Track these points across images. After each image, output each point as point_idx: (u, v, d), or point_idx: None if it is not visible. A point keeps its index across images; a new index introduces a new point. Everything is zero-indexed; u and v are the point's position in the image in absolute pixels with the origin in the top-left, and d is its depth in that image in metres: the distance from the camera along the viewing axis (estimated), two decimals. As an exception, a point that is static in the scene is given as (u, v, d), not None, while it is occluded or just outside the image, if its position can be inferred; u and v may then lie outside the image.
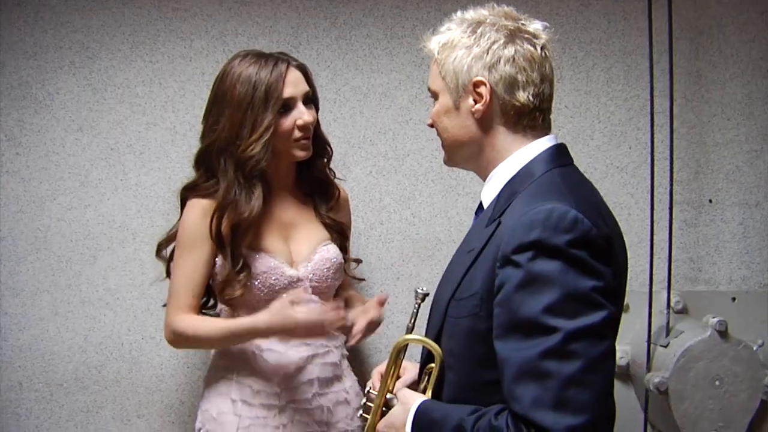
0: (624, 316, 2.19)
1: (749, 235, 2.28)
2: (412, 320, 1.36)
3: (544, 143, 1.26)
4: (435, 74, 1.29)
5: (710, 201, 2.26)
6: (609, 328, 1.10)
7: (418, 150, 2.22)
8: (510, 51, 1.21)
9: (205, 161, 1.76)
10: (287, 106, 1.73)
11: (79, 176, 2.18)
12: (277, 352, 1.74)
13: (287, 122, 1.73)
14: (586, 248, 1.08)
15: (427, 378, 1.27)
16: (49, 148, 2.18)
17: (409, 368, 1.41)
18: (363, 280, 2.02)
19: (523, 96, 1.22)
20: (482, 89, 1.22)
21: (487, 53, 1.21)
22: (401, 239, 2.23)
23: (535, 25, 1.26)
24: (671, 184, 2.12)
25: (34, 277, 2.19)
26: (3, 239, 2.18)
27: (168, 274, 1.83)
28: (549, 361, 1.04)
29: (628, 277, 2.21)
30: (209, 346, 1.87)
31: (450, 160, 1.36)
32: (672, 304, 2.12)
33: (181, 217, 1.78)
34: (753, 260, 2.28)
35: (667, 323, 2.05)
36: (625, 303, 2.19)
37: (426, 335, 1.29)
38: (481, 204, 1.33)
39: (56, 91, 2.17)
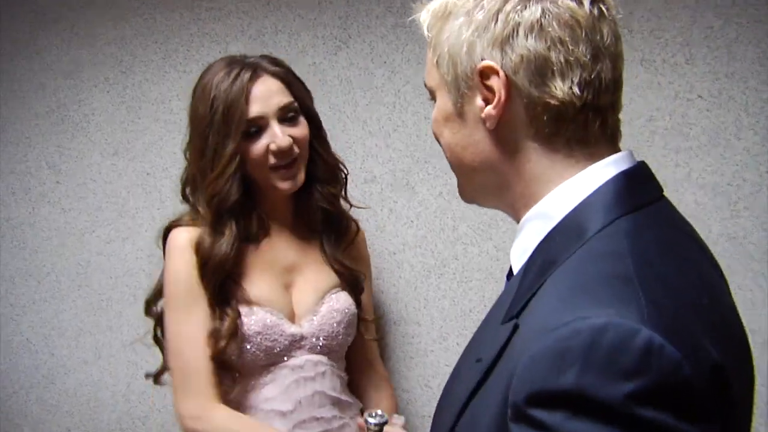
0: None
1: None
2: None
3: (607, 169, 0.75)
4: (429, 62, 0.82)
5: None
6: None
7: (499, 162, 1.74)
8: (533, 13, 0.73)
9: (185, 197, 1.48)
10: (257, 126, 1.37)
11: (117, 205, 1.96)
12: None
13: (258, 147, 1.37)
14: (669, 403, 0.59)
15: None
16: (87, 176, 1.98)
17: None
18: (378, 340, 1.61)
19: (561, 88, 0.73)
20: (493, 80, 0.74)
21: (496, 20, 0.74)
22: (482, 278, 1.76)
23: None
24: None
25: (77, 317, 2.00)
26: (47, 275, 2.02)
27: (156, 340, 1.49)
28: None
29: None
30: None
31: (463, 193, 0.87)
32: None
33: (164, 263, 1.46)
34: None
35: None
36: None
37: None
38: (511, 269, 0.85)
39: (92, 112, 1.96)
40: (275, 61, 1.44)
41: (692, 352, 0.61)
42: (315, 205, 1.46)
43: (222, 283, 1.37)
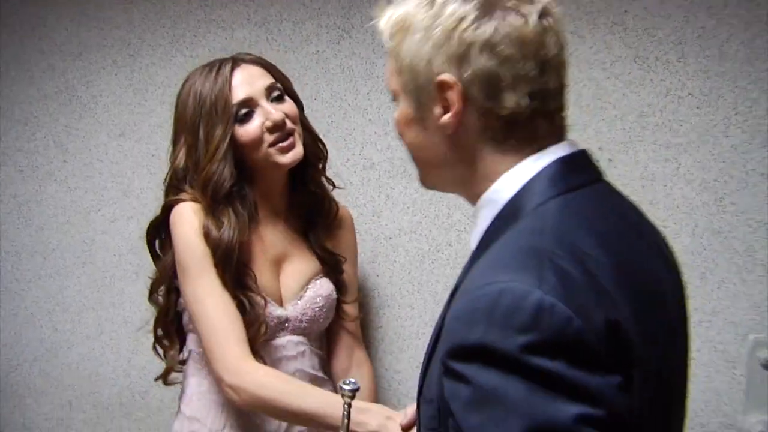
0: (767, 375, 1.64)
1: None
2: (346, 422, 1.01)
3: (546, 157, 0.83)
4: (391, 68, 0.90)
5: None
6: None
7: (495, 152, 1.79)
8: (485, 32, 0.80)
9: (170, 196, 1.48)
10: (247, 108, 1.42)
11: (122, 185, 2.01)
12: None
13: (252, 128, 1.42)
14: (561, 354, 0.68)
15: None
16: (94, 155, 2.03)
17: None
18: (358, 320, 1.65)
19: (512, 99, 0.81)
20: (450, 93, 0.82)
21: (452, 38, 0.81)
22: (473, 262, 1.82)
23: None
24: (841, 199, 1.52)
25: (81, 293, 2.06)
26: (53, 252, 2.08)
27: (157, 339, 1.52)
28: None
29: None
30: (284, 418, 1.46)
31: (423, 182, 0.95)
32: (840, 364, 1.53)
33: (164, 240, 1.49)
34: None
35: (830, 393, 1.48)
36: (765, 358, 1.64)
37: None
38: None
39: (99, 94, 2.02)
40: (250, 54, 1.51)
41: (585, 311, 0.69)
42: (307, 189, 1.52)
43: (237, 268, 1.40)
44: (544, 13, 0.81)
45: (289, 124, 1.44)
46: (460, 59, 0.80)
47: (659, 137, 1.68)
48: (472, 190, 0.87)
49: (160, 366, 2.00)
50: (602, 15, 1.69)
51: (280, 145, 1.43)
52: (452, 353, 0.72)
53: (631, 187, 1.70)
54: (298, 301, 1.49)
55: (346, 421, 1.04)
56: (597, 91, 1.71)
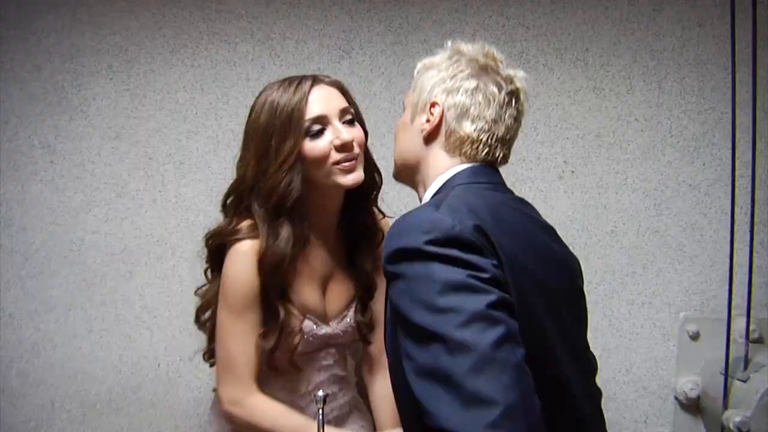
0: (694, 345, 2.06)
1: (829, 258, 2.12)
2: (320, 429, 1.23)
3: (469, 164, 1.26)
4: (410, 89, 1.35)
5: (788, 222, 2.10)
6: (501, 312, 1.02)
7: (474, 163, 2.08)
8: (472, 83, 1.26)
9: (232, 204, 1.55)
10: (320, 125, 1.48)
11: (116, 187, 2.06)
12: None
13: (321, 145, 1.47)
14: (451, 245, 1.06)
15: None
16: (85, 157, 2.06)
17: None
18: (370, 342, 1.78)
19: (469, 127, 1.25)
20: (435, 110, 1.27)
21: (451, 79, 1.27)
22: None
23: (510, 72, 1.29)
24: (753, 204, 1.97)
25: (68, 293, 2.07)
26: (36, 252, 2.07)
27: (211, 341, 1.60)
28: (446, 359, 0.98)
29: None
30: None
31: (397, 175, 1.40)
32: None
33: (211, 270, 1.58)
34: (832, 286, 2.12)
35: (746, 355, 1.90)
36: (695, 330, 2.06)
37: None
38: None
39: (93, 97, 2.05)
40: (330, 76, 1.57)
41: (460, 223, 1.09)
42: (358, 217, 1.60)
43: (280, 283, 1.49)
44: (514, 93, 1.28)
45: (356, 148, 1.48)
46: (450, 92, 1.26)
47: (612, 153, 2.06)
48: (421, 180, 1.30)
49: (153, 362, 2.10)
50: (568, 52, 2.04)
51: (344, 164, 1.47)
52: (387, 259, 1.10)
53: (589, 193, 2.07)
54: (341, 320, 1.61)
55: (321, 429, 1.23)
56: (563, 114, 2.05)
